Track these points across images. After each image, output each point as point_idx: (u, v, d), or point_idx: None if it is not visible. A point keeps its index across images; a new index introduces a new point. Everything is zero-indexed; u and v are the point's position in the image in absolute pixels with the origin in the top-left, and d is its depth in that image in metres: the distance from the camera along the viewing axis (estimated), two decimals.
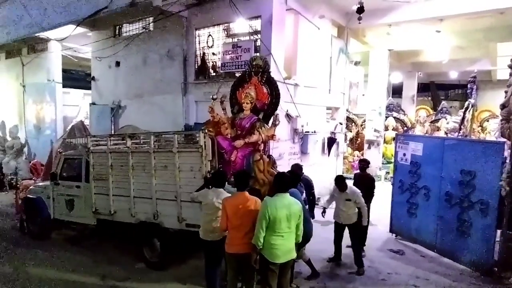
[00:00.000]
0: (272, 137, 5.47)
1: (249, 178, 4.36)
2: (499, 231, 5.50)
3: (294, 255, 3.95)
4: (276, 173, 4.92)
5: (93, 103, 11.98)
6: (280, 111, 8.18)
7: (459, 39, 12.34)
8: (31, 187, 7.44)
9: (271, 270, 3.83)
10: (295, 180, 4.87)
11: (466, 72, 15.72)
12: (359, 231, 5.79)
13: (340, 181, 5.61)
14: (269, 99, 5.64)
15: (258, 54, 7.42)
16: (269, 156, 5.71)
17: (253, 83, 5.64)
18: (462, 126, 12.06)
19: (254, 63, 5.72)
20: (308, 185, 5.90)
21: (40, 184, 7.53)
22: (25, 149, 13.56)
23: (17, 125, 13.99)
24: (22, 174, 11.22)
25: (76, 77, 16.99)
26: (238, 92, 5.74)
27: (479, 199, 5.50)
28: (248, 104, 5.54)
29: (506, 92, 5.68)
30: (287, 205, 3.79)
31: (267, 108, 5.65)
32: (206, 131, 5.16)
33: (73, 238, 7.04)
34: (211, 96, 5.81)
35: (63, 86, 13.44)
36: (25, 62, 13.69)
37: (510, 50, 11.48)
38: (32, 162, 11.67)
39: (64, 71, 13.43)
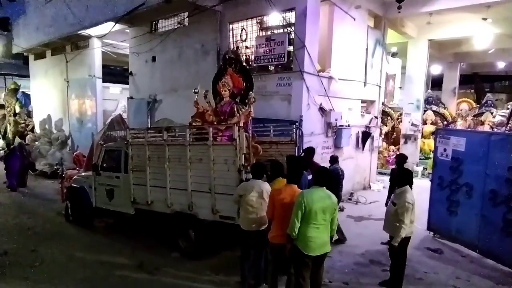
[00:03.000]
0: (249, 114, 5.97)
1: (300, 173, 4.44)
2: None
3: (328, 248, 3.93)
4: (258, 146, 6.10)
5: (131, 97, 12.43)
6: (314, 105, 8.14)
7: (508, 26, 11.50)
8: (75, 177, 7.88)
9: (305, 262, 3.84)
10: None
11: None
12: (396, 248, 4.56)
13: (397, 175, 4.89)
14: (244, 85, 6.23)
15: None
16: (253, 133, 6.35)
17: (229, 74, 6.27)
18: (510, 120, 11.32)
19: (227, 57, 6.43)
20: (336, 177, 5.89)
21: (83, 174, 7.93)
22: (69, 141, 14.39)
23: (61, 119, 14.90)
24: (67, 164, 11.92)
25: (114, 72, 17.73)
26: (217, 85, 6.34)
27: None
28: (226, 92, 6.20)
29: None
30: (323, 197, 3.82)
31: (244, 93, 6.22)
32: (194, 122, 6.08)
33: (113, 226, 7.41)
34: (193, 90, 6.43)
35: (103, 81, 14.06)
36: (69, 59, 14.46)
37: None
38: (75, 153, 12.35)
39: (103, 66, 14.03)
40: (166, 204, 5.80)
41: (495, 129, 13.04)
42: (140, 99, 11.98)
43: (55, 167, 12.27)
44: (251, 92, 6.10)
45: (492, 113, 14.54)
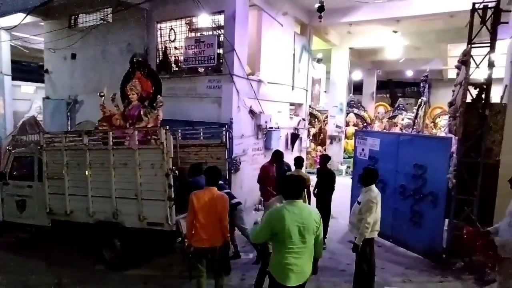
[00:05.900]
0: (157, 117, 5.96)
1: (219, 175, 4.32)
2: (447, 221, 5.90)
3: (309, 275, 3.21)
4: None
5: (47, 97, 11.33)
6: (244, 107, 8.27)
7: (414, 39, 13.02)
8: None
9: None
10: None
11: (421, 71, 16.63)
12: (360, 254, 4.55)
13: (362, 174, 4.73)
14: (153, 88, 6.21)
15: (141, 51, 8.50)
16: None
17: (137, 77, 6.23)
18: (415, 123, 12.78)
19: (135, 60, 6.36)
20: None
21: None
22: None
23: None
24: None
25: (27, 69, 15.99)
26: (125, 88, 6.30)
27: (429, 191, 5.85)
28: (134, 95, 6.14)
29: (453, 91, 6.07)
30: (299, 214, 3.05)
31: (152, 96, 6.19)
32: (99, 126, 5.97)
33: (26, 241, 6.66)
34: (98, 94, 6.31)
35: (13, 79, 12.56)
36: None
37: (459, 51, 12.27)
38: None
39: (14, 62, 12.54)
40: (88, 213, 5.41)
41: (404, 131, 14.64)
42: (59, 100, 10.97)
43: None
44: (159, 95, 6.06)
45: (402, 115, 16.30)
